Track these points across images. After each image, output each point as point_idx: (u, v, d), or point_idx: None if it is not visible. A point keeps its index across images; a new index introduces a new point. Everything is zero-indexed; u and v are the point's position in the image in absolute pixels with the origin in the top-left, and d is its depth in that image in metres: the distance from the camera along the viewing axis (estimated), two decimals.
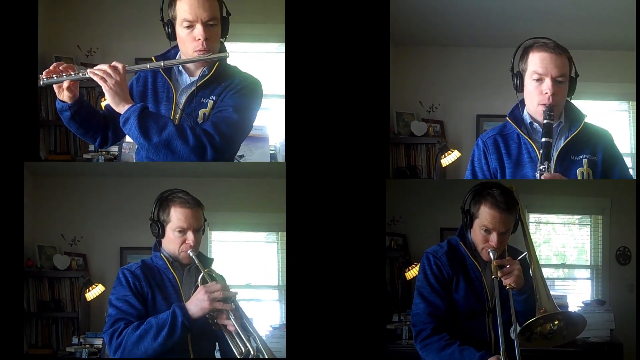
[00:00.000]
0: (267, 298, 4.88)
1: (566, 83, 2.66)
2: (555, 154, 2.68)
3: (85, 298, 4.60)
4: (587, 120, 2.72)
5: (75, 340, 4.48)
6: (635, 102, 4.58)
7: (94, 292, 4.59)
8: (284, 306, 4.10)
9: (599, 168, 2.69)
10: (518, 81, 2.71)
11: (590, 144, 2.70)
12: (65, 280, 4.69)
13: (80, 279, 4.65)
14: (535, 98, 2.66)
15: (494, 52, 5.00)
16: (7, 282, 2.98)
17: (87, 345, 4.39)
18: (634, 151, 4.51)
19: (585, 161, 2.68)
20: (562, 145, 2.68)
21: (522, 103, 2.74)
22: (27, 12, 3.02)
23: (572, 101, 2.77)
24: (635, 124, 4.85)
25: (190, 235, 2.60)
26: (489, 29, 4.74)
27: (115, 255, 4.75)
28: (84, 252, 4.77)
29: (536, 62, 2.65)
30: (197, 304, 2.48)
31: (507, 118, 2.76)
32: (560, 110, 2.71)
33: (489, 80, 5.04)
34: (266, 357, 2.48)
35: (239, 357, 2.49)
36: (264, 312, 4.72)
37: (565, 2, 4.25)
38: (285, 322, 3.02)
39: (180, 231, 2.60)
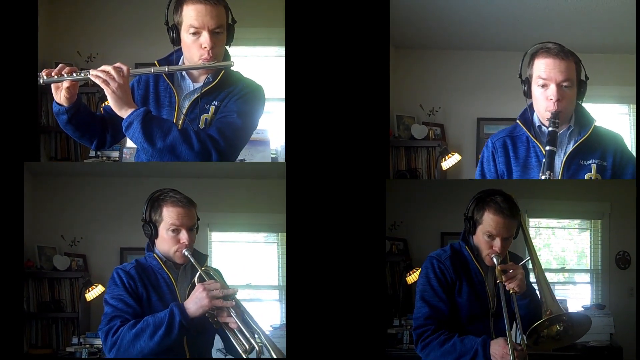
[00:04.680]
0: (268, 298, 4.89)
1: (573, 87, 2.64)
2: (563, 158, 2.67)
3: (85, 298, 4.60)
4: (597, 124, 2.71)
5: (75, 340, 4.49)
6: (635, 105, 4.58)
7: (93, 293, 4.59)
8: (284, 306, 4.11)
9: (608, 172, 2.68)
10: (526, 87, 2.70)
11: (600, 149, 2.69)
12: (65, 280, 4.69)
13: (80, 279, 4.65)
14: (542, 104, 2.65)
15: (494, 55, 5.02)
16: (7, 282, 2.98)
17: (87, 345, 4.40)
18: (634, 154, 4.51)
19: (593, 166, 2.66)
20: (570, 149, 2.68)
21: (531, 107, 2.72)
22: (27, 17, 3.03)
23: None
24: (635, 127, 4.85)
25: (184, 234, 2.57)
26: (490, 32, 4.75)
27: (115, 255, 4.76)
28: (84, 253, 4.78)
29: (540, 68, 2.63)
30: (196, 302, 2.45)
31: (517, 120, 2.75)
32: (569, 115, 2.69)
33: (489, 84, 5.05)
34: (272, 353, 2.45)
35: (243, 354, 2.46)
36: (265, 312, 4.73)
37: (566, 5, 4.26)
38: (285, 322, 3.02)
39: (173, 230, 2.57)
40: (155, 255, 2.61)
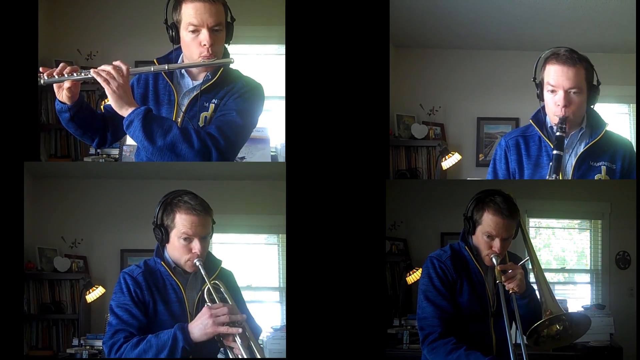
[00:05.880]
0: (268, 299, 4.88)
1: (582, 93, 2.66)
2: (574, 159, 2.71)
3: (85, 300, 4.60)
4: (609, 128, 2.75)
5: (75, 341, 4.48)
6: (635, 105, 4.58)
7: (94, 294, 4.59)
8: (284, 308, 4.11)
9: (617, 176, 2.72)
10: (539, 90, 2.74)
11: (610, 152, 2.73)
12: (66, 282, 4.68)
13: (81, 281, 4.65)
14: (551, 109, 2.69)
15: (494, 54, 5.02)
16: (7, 284, 2.97)
17: (88, 347, 4.40)
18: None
19: (603, 168, 2.71)
20: (581, 150, 2.72)
21: (544, 109, 2.76)
22: (27, 15, 3.03)
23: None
24: (635, 126, 4.85)
25: (196, 244, 2.49)
26: (490, 32, 4.75)
27: (115, 257, 4.76)
28: (85, 255, 4.78)
29: (550, 74, 2.67)
30: (201, 328, 2.39)
31: (530, 120, 2.78)
32: (579, 119, 2.72)
33: (489, 83, 5.06)
34: None
35: None
36: (265, 313, 4.73)
37: (565, 4, 4.26)
38: (285, 323, 3.02)
39: (185, 239, 2.49)
40: (163, 263, 2.54)
